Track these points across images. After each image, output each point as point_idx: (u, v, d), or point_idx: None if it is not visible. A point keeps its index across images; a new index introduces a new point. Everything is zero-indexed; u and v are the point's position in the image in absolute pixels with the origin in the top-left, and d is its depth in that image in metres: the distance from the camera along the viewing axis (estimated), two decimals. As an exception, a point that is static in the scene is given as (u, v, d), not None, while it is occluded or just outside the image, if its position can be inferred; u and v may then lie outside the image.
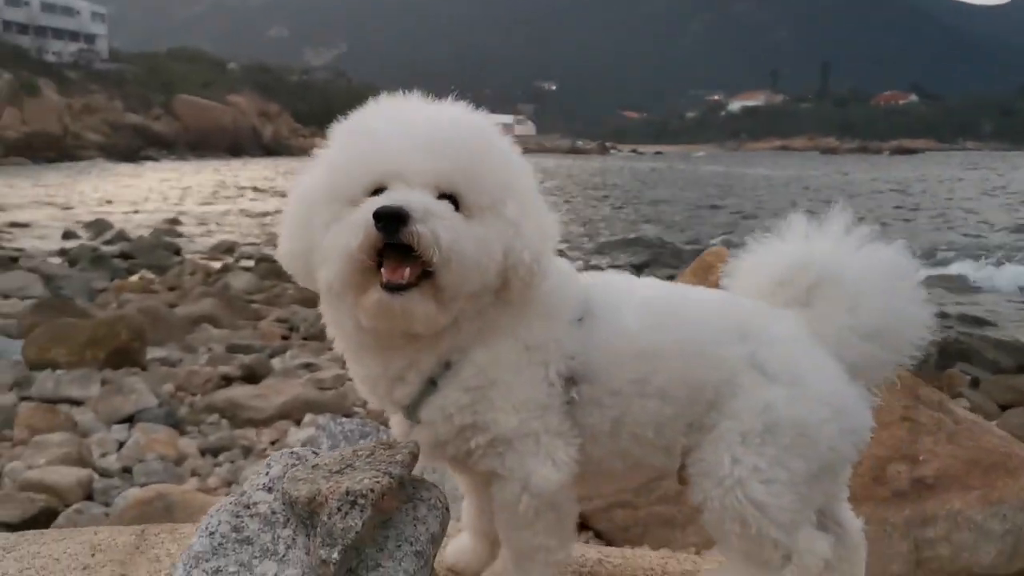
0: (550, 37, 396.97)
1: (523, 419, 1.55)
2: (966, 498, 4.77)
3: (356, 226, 1.41)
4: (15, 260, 16.17)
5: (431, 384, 1.55)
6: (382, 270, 1.42)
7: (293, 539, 1.38)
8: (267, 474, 1.46)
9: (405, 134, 1.48)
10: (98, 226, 23.16)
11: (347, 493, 1.33)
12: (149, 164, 65.43)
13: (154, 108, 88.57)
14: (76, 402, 6.82)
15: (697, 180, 55.97)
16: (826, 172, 66.17)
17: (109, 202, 31.90)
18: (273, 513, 1.40)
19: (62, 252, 18.14)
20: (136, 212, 28.30)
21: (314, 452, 1.52)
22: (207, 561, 1.35)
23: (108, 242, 20.19)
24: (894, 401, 5.05)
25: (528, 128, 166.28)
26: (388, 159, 1.47)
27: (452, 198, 1.47)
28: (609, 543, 3.98)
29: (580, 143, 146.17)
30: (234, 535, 1.38)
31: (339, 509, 1.32)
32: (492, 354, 1.55)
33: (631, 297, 1.67)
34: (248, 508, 1.41)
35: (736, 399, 1.62)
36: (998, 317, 13.45)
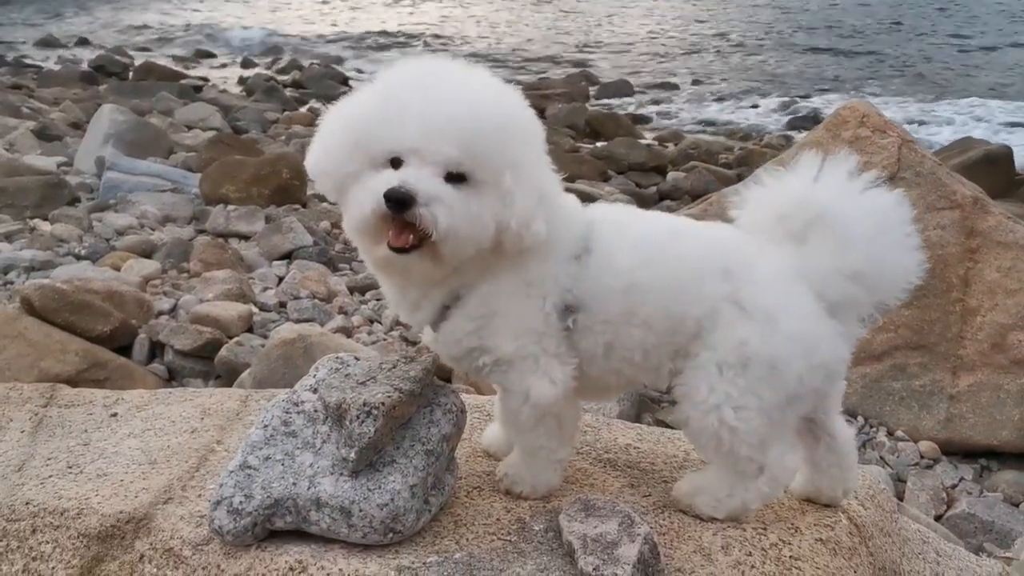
0: None
1: (521, 343, 1.80)
2: (1088, 371, 4.67)
3: (372, 196, 1.66)
4: (198, 90, 17.19)
5: (445, 310, 1.81)
6: (390, 232, 1.67)
7: (328, 435, 1.68)
8: (314, 376, 1.78)
9: (427, 112, 1.69)
10: (273, 53, 24.09)
11: (364, 404, 1.61)
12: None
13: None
14: (244, 236, 7.48)
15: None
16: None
17: (284, 23, 32.76)
18: (315, 411, 1.71)
19: (241, 80, 19.11)
20: (310, 37, 29.10)
21: (355, 358, 1.80)
22: (260, 449, 1.68)
23: (282, 70, 21.05)
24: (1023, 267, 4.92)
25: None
26: (409, 135, 1.68)
27: (460, 174, 1.68)
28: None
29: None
30: (283, 428, 1.70)
31: (357, 417, 1.61)
32: (494, 288, 1.79)
33: (627, 234, 1.83)
34: (296, 406, 1.73)
35: (716, 332, 1.79)
36: None
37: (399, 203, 1.62)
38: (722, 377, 1.77)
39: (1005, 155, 10.12)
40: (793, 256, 1.80)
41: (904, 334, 4.98)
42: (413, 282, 1.78)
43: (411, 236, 1.66)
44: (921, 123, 14.82)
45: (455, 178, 1.68)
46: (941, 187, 5.11)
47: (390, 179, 1.65)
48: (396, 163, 1.69)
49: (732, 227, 1.90)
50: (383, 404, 1.61)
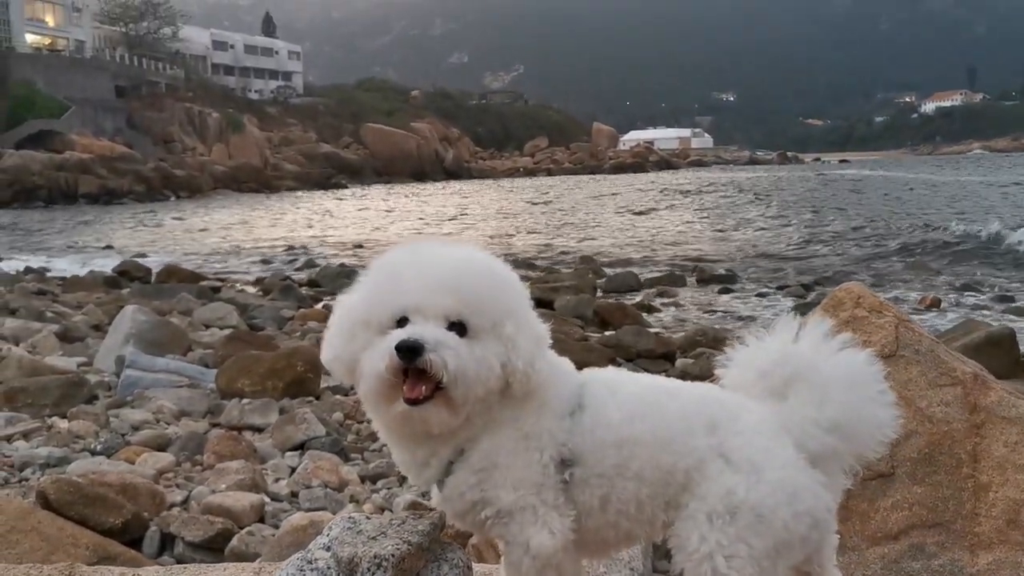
0: (728, 46, 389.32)
1: (521, 495, 1.90)
2: (1107, 546, 4.59)
3: (384, 353, 1.83)
4: (217, 290, 17.74)
5: (450, 466, 1.91)
6: (404, 387, 1.82)
7: (340, 590, 1.75)
8: (328, 535, 1.86)
9: (422, 276, 1.91)
10: (289, 254, 25.02)
11: (375, 556, 1.69)
12: (339, 191, 68.95)
13: (344, 137, 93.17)
14: (258, 429, 7.58)
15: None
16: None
17: (301, 230, 34.18)
18: (328, 568, 1.79)
19: (258, 280, 19.74)
20: (324, 240, 30.24)
21: (367, 517, 1.89)
22: (274, 606, 1.75)
23: (298, 269, 21.81)
24: (1032, 442, 4.94)
25: (705, 141, 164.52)
26: (409, 297, 1.89)
27: (461, 324, 1.86)
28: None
29: (760, 153, 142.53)
30: (297, 585, 1.77)
31: (368, 569, 1.69)
32: (495, 442, 1.92)
33: (618, 392, 1.97)
34: (310, 563, 1.81)
35: (704, 483, 1.90)
36: None
37: (410, 351, 1.79)
38: (712, 526, 1.86)
39: (1008, 337, 10.26)
40: (775, 410, 1.93)
41: (919, 512, 4.93)
42: (433, 432, 1.88)
43: (423, 388, 1.81)
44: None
45: (456, 328, 1.85)
46: (941, 364, 5.20)
47: (399, 334, 1.82)
48: (401, 324, 1.87)
49: (716, 386, 2.04)
50: (393, 556, 1.69)
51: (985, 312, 14.43)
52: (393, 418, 1.88)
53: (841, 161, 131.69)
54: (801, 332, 1.99)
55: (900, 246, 23.39)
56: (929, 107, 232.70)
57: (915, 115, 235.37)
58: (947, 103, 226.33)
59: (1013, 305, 15.13)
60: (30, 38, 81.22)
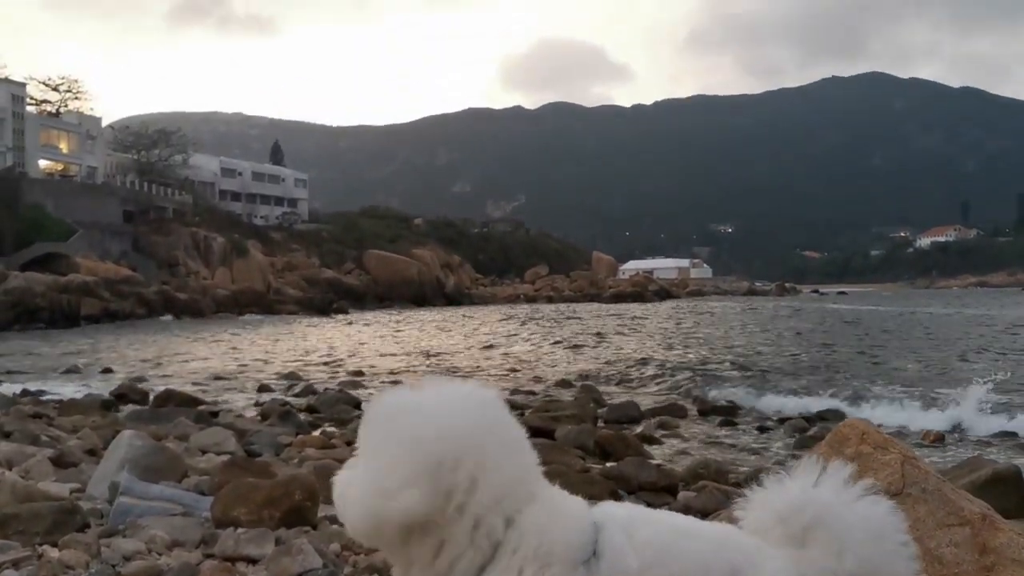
0: (725, 179, 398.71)
1: None
2: None
3: None
4: (215, 415, 17.60)
5: None
6: None
7: None
8: None
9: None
10: (288, 379, 24.94)
11: None
12: (340, 316, 69.18)
13: (347, 263, 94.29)
14: (253, 560, 7.39)
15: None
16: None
17: (301, 355, 34.19)
18: None
19: (257, 404, 19.61)
20: (323, 365, 30.20)
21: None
22: None
23: (297, 395, 21.69)
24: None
25: (704, 271, 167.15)
26: None
27: None
28: None
29: (758, 284, 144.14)
30: None
31: None
32: None
33: (635, 536, 1.94)
34: None
35: None
36: None
37: None
38: None
39: (1014, 475, 10.14)
40: (794, 558, 1.90)
41: (932, 659, 4.79)
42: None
43: None
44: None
45: None
46: (948, 503, 5.15)
47: None
48: None
49: (735, 528, 2.02)
50: None
51: (989, 448, 14.29)
52: None
53: (839, 293, 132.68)
54: (822, 477, 1.98)
55: (904, 380, 23.33)
56: (924, 241, 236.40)
57: (911, 249, 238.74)
58: (941, 238, 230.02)
59: (1018, 441, 15.00)
60: (43, 163, 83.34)
